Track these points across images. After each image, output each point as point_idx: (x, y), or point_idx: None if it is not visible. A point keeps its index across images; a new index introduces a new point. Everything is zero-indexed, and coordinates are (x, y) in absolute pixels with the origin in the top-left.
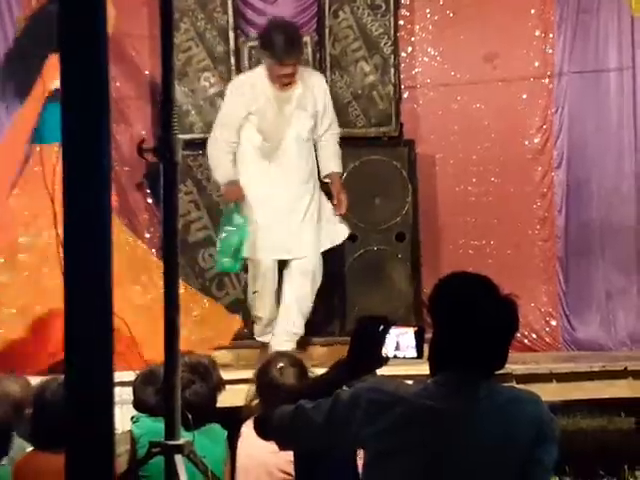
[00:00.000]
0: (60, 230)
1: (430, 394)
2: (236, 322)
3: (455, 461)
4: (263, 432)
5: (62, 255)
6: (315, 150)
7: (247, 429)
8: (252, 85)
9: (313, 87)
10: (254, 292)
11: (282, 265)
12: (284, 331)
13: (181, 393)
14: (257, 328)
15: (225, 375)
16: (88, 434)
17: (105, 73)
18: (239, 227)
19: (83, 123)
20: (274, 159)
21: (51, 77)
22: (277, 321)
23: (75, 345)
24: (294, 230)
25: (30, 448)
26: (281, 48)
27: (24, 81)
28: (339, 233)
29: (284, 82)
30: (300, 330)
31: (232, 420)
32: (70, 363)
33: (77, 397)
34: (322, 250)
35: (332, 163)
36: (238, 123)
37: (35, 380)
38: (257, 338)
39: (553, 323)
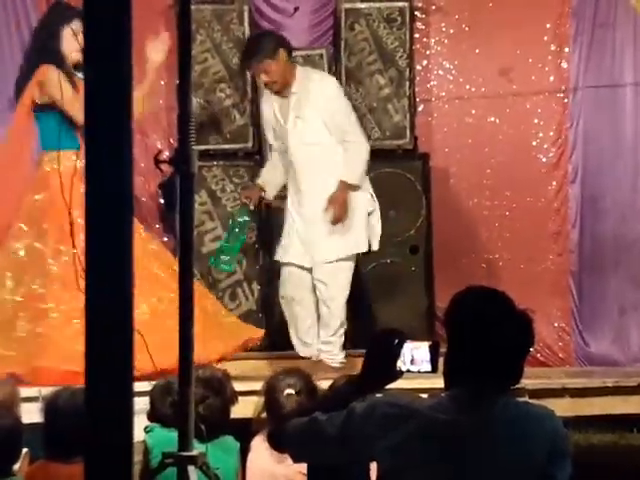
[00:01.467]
0: (76, 240)
1: (445, 408)
2: (258, 332)
3: (470, 476)
4: (277, 444)
5: (80, 265)
6: None
7: (257, 442)
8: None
9: (309, 93)
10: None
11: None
12: None
13: (194, 407)
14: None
15: (237, 386)
16: (107, 446)
17: (128, 85)
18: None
19: (105, 134)
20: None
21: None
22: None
23: (95, 356)
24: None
25: None
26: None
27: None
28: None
29: (271, 90)
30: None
31: (244, 431)
32: (90, 374)
33: (96, 408)
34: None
35: (340, 171)
36: None
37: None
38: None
39: (566, 338)
